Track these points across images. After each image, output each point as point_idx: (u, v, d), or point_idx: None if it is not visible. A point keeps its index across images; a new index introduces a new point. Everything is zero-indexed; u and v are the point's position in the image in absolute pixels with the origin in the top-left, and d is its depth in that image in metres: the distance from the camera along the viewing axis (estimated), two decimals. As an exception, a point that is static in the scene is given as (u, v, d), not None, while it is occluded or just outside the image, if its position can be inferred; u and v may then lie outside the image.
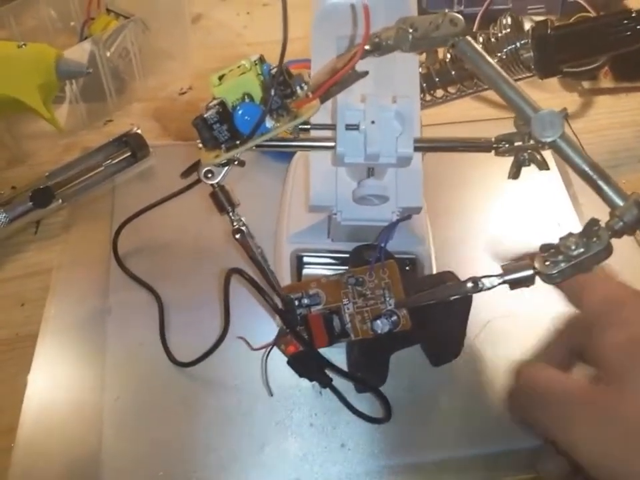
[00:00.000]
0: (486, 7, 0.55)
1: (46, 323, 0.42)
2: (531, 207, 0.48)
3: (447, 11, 0.29)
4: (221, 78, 0.29)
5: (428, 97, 0.47)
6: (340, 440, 0.36)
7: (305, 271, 0.43)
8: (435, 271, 0.41)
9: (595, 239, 0.26)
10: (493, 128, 0.53)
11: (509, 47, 0.43)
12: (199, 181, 0.41)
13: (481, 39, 0.44)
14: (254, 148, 0.29)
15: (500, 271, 0.28)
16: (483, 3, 0.55)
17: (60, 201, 0.48)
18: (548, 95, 0.57)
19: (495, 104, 0.56)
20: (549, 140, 0.28)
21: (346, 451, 0.36)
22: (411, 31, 0.29)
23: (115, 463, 0.36)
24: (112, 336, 0.41)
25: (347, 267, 0.41)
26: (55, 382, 0.39)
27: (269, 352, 0.34)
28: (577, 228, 0.47)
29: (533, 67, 0.43)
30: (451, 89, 0.46)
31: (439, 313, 0.34)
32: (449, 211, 0.48)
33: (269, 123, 0.28)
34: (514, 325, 0.42)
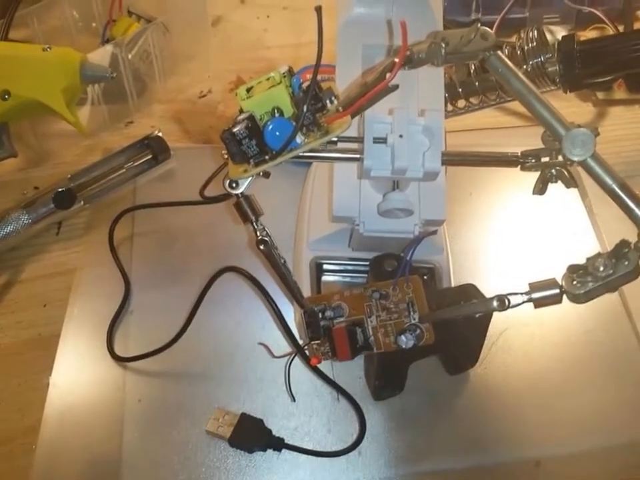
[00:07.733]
0: (503, 15, 0.55)
1: (68, 323, 0.42)
2: (547, 217, 0.48)
3: (479, 25, 0.29)
4: (249, 90, 0.29)
5: (450, 107, 0.47)
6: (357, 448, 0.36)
7: (324, 278, 0.43)
8: (452, 281, 0.42)
9: (624, 261, 0.26)
10: (509, 136, 0.54)
11: (534, 60, 0.43)
12: (220, 199, 0.42)
13: (505, 51, 0.44)
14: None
15: (525, 288, 0.28)
16: (500, 11, 0.55)
17: (82, 202, 0.48)
18: (563, 104, 0.56)
19: (511, 112, 0.55)
20: (579, 159, 0.28)
21: (362, 458, 0.36)
22: (443, 45, 0.29)
23: (136, 464, 0.36)
24: (134, 336, 0.41)
25: (366, 276, 0.42)
26: (77, 382, 0.40)
27: (292, 359, 0.35)
28: (592, 238, 0.48)
29: (557, 80, 0.43)
30: (473, 100, 0.46)
31: (459, 325, 0.34)
32: (465, 222, 0.48)
33: (299, 138, 0.28)
34: (530, 333, 0.42)
